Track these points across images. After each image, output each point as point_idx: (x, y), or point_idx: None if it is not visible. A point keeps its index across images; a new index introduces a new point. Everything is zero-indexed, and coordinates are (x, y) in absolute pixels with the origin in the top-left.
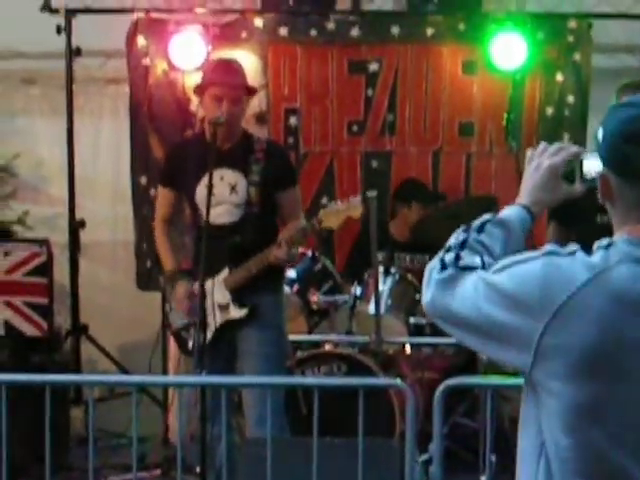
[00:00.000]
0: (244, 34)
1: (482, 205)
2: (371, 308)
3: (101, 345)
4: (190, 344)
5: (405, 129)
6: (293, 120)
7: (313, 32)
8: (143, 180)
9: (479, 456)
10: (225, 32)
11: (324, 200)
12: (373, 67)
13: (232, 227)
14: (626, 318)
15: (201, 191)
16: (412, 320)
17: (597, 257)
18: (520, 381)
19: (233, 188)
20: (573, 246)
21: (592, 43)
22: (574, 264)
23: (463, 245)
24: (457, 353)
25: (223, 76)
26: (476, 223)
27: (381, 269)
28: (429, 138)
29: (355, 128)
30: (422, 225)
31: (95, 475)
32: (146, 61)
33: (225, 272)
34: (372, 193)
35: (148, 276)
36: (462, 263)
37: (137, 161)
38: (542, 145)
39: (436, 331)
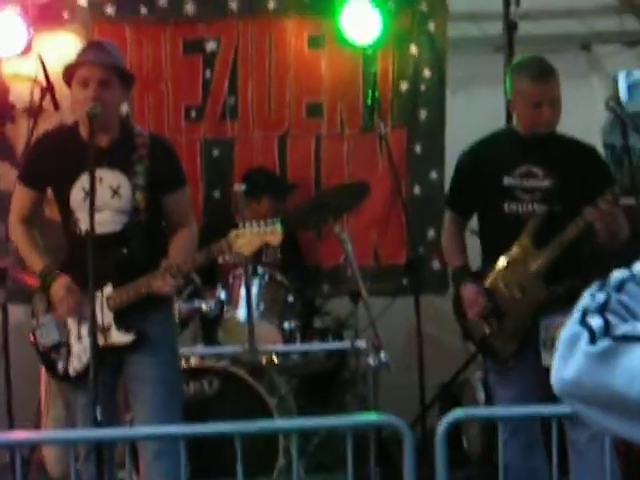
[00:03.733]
0: (66, 14)
1: (354, 192)
2: (240, 314)
3: None
4: (60, 366)
5: (248, 113)
6: (124, 107)
7: (143, 10)
8: None
9: None
10: (45, 12)
11: None
12: (211, 46)
13: (115, 237)
14: None
15: (77, 194)
16: (286, 325)
17: None
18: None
19: (115, 192)
20: None
21: (447, 11)
22: None
23: (604, 307)
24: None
25: (89, 55)
26: (613, 281)
27: None
28: (274, 121)
29: (193, 114)
30: (289, 218)
31: None
32: None
33: (108, 289)
34: (240, 187)
35: None
36: (620, 332)
37: None
38: None
39: (305, 335)
